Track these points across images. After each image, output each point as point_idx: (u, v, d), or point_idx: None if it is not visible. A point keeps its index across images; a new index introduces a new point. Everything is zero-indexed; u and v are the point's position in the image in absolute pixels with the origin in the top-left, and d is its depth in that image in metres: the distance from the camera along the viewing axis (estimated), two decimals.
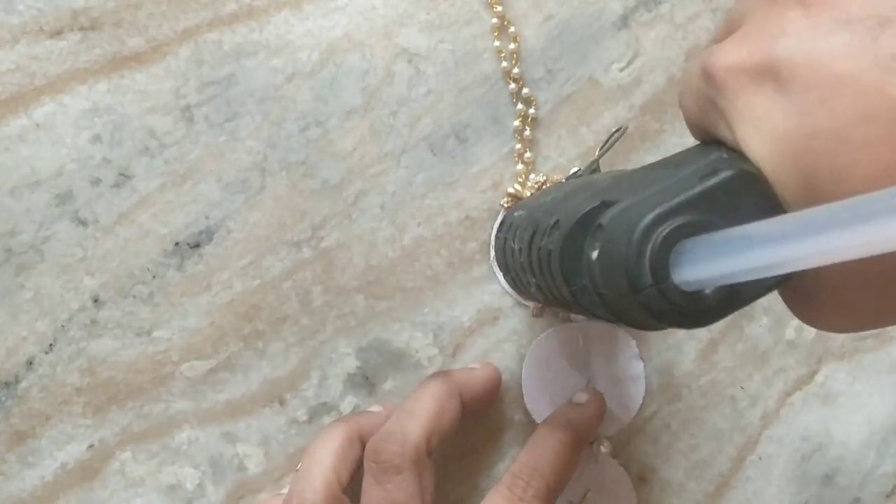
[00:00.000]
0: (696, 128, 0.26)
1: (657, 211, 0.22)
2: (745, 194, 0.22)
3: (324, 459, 0.35)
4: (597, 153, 0.38)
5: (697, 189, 0.22)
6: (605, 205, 0.24)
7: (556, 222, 0.26)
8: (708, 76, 0.23)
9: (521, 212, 0.32)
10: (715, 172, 0.23)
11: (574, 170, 0.39)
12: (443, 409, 0.35)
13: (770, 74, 0.22)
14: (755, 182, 0.22)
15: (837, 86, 0.20)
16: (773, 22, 0.22)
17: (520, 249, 0.30)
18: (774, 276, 0.22)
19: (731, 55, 0.23)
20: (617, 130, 0.38)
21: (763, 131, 0.22)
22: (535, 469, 0.34)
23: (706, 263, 0.21)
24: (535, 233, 0.28)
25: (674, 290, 0.22)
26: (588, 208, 0.25)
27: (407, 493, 0.32)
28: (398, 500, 0.32)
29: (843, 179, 0.20)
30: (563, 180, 0.38)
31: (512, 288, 0.35)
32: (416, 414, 0.34)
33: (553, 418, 0.37)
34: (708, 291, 0.22)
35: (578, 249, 0.25)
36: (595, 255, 0.24)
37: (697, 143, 0.28)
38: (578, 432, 0.36)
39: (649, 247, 0.22)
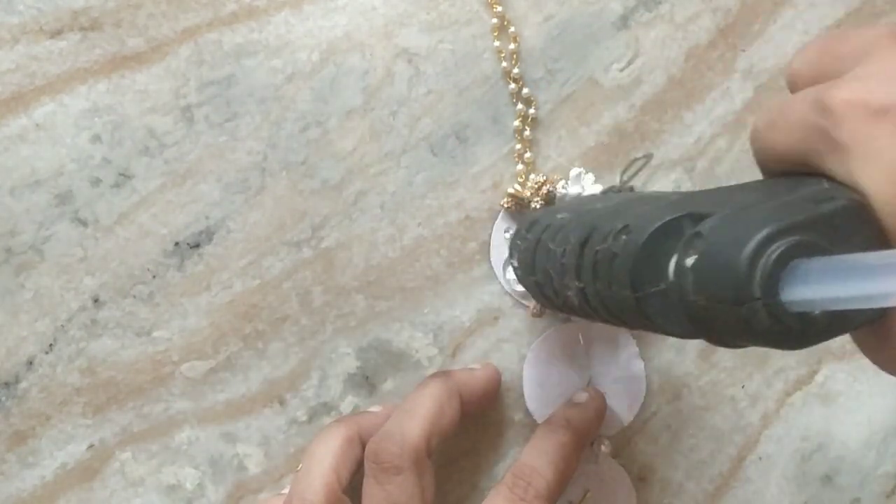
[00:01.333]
0: (788, 160, 0.26)
1: (775, 226, 0.22)
2: (856, 224, 0.23)
3: (324, 459, 0.35)
4: (619, 179, 0.38)
5: (815, 211, 0.23)
6: (692, 217, 0.24)
7: (625, 227, 0.26)
8: (825, 108, 0.24)
9: (563, 214, 0.32)
10: (830, 199, 0.23)
11: (610, 186, 0.39)
12: (442, 409, 0.35)
13: (892, 113, 0.23)
14: (866, 214, 0.23)
15: None
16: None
17: (563, 251, 0.30)
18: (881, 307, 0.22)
19: (853, 91, 0.24)
20: (641, 157, 0.38)
21: (880, 165, 0.23)
22: (535, 469, 0.34)
23: (819, 286, 0.21)
24: (589, 236, 0.28)
25: (782, 308, 0.21)
26: (671, 217, 0.24)
27: (407, 493, 0.32)
28: (398, 500, 0.32)
29: None
30: (601, 194, 0.38)
31: (535, 297, 0.35)
32: (415, 414, 0.34)
33: (553, 419, 0.37)
34: (817, 313, 0.22)
35: (656, 255, 0.24)
36: (691, 262, 0.23)
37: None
38: (579, 432, 0.36)
39: (762, 260, 0.21)
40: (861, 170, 0.23)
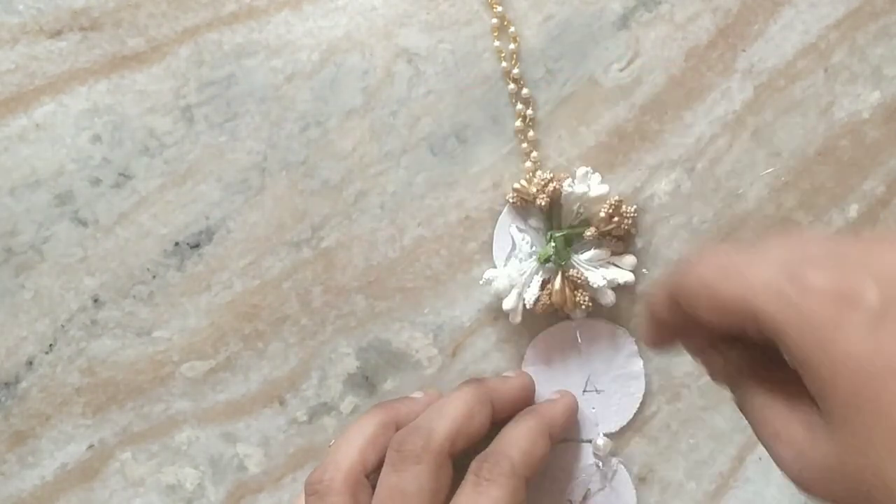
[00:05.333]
0: (730, 312, 0.27)
1: None
2: None
3: (354, 440, 0.35)
4: None
5: None
6: None
7: None
8: (798, 279, 0.26)
9: None
10: None
11: None
12: (472, 413, 0.35)
13: (858, 302, 0.25)
14: None
15: None
16: None
17: None
18: None
19: (828, 274, 0.25)
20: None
21: (832, 353, 0.25)
22: (499, 451, 0.34)
23: None
24: None
25: None
26: None
27: (419, 484, 0.32)
28: (408, 488, 0.32)
29: None
30: None
31: None
32: (445, 413, 0.35)
33: (522, 412, 0.37)
34: None
35: None
36: None
37: None
38: (544, 419, 0.36)
39: None
40: (811, 348, 0.24)
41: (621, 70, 0.40)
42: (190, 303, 0.39)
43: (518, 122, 0.40)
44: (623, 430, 0.40)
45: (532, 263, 0.39)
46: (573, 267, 0.39)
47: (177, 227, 0.39)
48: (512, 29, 0.40)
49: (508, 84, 0.40)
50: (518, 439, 0.35)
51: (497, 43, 0.40)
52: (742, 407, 0.30)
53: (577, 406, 0.39)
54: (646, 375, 0.40)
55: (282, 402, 0.40)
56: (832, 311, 0.24)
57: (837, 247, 0.26)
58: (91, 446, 0.39)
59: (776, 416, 0.28)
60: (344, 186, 0.39)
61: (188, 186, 0.39)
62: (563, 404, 0.38)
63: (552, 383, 0.40)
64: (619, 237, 0.39)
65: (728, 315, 0.27)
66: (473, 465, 0.34)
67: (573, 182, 0.39)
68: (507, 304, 0.38)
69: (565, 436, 0.39)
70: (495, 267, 0.39)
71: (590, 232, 0.39)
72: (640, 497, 0.40)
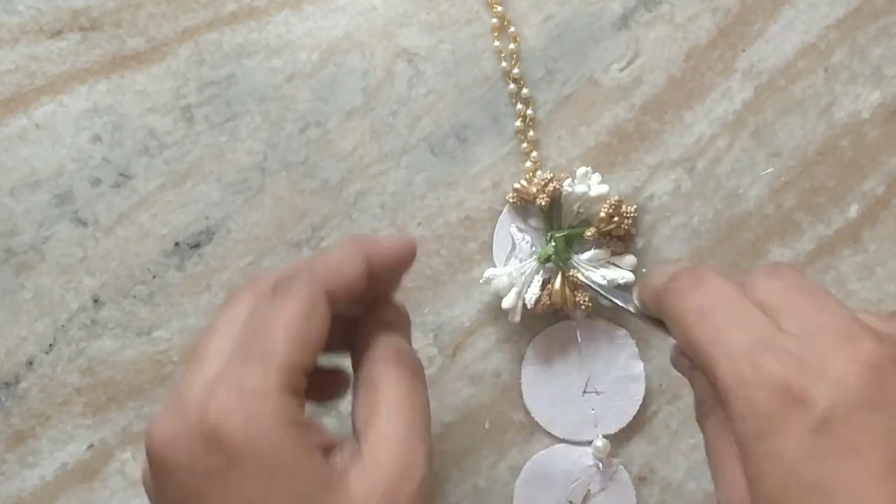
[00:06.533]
0: (694, 354, 0.28)
1: None
2: None
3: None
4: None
5: None
6: None
7: None
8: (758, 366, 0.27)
9: None
10: None
11: None
12: (344, 260, 0.32)
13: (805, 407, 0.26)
14: None
15: None
16: None
17: None
18: None
19: (784, 366, 0.26)
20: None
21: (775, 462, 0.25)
22: (303, 268, 0.31)
23: None
24: None
25: None
26: None
27: (286, 315, 0.29)
28: (277, 317, 0.29)
29: None
30: None
31: None
32: (319, 258, 0.32)
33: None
34: None
35: None
36: None
37: None
38: (364, 243, 0.33)
39: None
40: (751, 433, 0.26)
41: (621, 70, 0.40)
42: (190, 303, 0.39)
43: (518, 122, 0.40)
44: (623, 431, 0.40)
45: (532, 263, 0.39)
46: (573, 267, 0.39)
47: (177, 227, 0.39)
48: (512, 29, 0.40)
49: (508, 84, 0.40)
50: (326, 256, 0.32)
51: (497, 43, 0.40)
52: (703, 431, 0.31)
53: (413, 246, 0.34)
54: (646, 376, 0.40)
55: None
56: (779, 406, 0.25)
57: (812, 323, 0.27)
58: (91, 446, 0.39)
59: (722, 459, 0.29)
60: (344, 186, 0.40)
61: (188, 186, 0.39)
62: (392, 237, 0.35)
63: (552, 383, 0.40)
64: (619, 237, 0.39)
65: (690, 354, 0.28)
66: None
67: (573, 182, 0.39)
68: (506, 302, 0.38)
69: (392, 274, 0.34)
70: (495, 266, 0.39)
71: (590, 232, 0.39)
72: (640, 497, 0.40)
